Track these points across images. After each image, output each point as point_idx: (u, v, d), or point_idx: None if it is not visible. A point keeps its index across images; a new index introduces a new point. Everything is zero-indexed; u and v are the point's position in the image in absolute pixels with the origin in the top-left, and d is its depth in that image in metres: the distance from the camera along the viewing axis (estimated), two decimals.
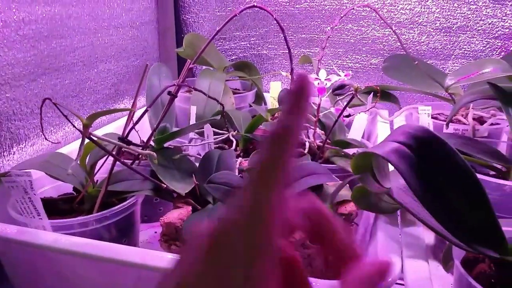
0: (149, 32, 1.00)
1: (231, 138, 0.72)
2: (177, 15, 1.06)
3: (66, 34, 0.72)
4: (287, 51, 1.07)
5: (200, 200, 0.54)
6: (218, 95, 0.85)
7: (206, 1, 1.03)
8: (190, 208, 0.52)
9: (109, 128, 0.80)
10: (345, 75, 0.63)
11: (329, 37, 0.69)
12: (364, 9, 0.98)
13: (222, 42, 1.06)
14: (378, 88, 0.65)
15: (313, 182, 0.49)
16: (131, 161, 0.59)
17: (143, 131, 0.66)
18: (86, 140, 0.47)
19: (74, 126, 0.46)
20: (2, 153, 0.59)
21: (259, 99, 1.01)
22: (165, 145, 0.63)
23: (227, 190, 0.47)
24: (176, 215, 0.50)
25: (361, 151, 0.43)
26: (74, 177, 0.54)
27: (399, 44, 1.00)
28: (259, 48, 1.07)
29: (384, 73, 0.91)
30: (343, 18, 0.74)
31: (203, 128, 0.71)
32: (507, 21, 0.94)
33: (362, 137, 0.74)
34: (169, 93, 0.61)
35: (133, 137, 0.57)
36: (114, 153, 0.53)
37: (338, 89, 0.55)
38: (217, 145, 0.74)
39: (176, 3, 1.05)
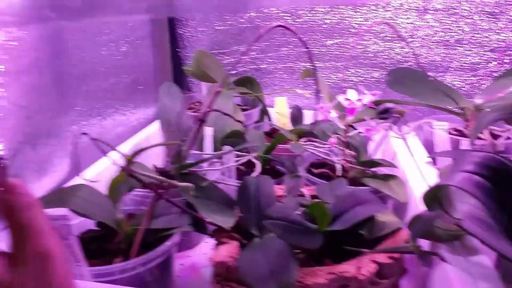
0: (144, 48, 0.96)
1: (254, 160, 0.69)
2: (173, 29, 1.03)
3: (64, 50, 0.67)
4: (288, 66, 1.06)
5: (243, 233, 0.51)
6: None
7: (204, 15, 0.99)
8: (236, 243, 0.49)
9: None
10: (372, 94, 0.62)
11: (351, 55, 0.68)
12: (366, 23, 0.99)
13: (221, 57, 1.03)
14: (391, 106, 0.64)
15: (367, 212, 0.47)
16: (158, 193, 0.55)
17: (150, 155, 0.62)
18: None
19: (114, 163, 0.42)
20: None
21: (262, 115, 0.99)
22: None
23: (286, 225, 0.44)
24: (225, 252, 0.47)
25: (435, 184, 0.42)
26: (106, 213, 0.49)
27: (400, 57, 1.01)
28: (259, 62, 1.05)
29: (387, 86, 0.92)
30: (358, 33, 0.73)
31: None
32: (501, 34, 0.97)
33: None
34: (199, 119, 0.58)
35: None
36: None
37: (383, 113, 0.53)
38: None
39: (172, 17, 1.01)
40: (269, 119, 0.98)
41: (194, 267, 0.66)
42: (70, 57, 0.66)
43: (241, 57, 0.56)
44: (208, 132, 0.76)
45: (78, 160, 0.44)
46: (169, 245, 0.48)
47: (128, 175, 0.42)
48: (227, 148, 0.69)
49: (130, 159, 0.41)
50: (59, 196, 0.50)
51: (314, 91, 0.85)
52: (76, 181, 0.56)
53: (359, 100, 0.59)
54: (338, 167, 0.62)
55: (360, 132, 0.64)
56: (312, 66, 0.61)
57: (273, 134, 0.94)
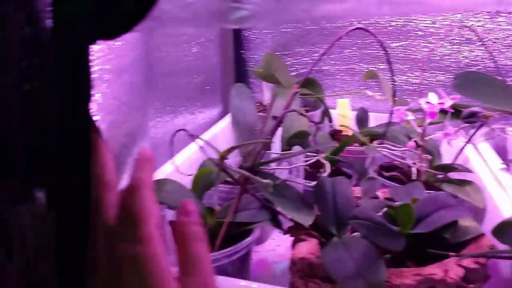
0: (212, 49, 0.99)
1: (323, 161, 0.70)
2: (238, 31, 1.05)
3: None
4: (350, 67, 1.06)
5: (321, 232, 0.53)
6: (293, 115, 0.84)
7: (260, 26, 1.01)
8: (315, 241, 0.50)
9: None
10: (451, 99, 0.61)
11: (429, 58, 0.68)
12: (433, 25, 0.97)
13: (284, 58, 1.05)
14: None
15: (451, 216, 0.47)
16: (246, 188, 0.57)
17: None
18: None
19: (209, 158, 0.44)
20: None
21: (323, 116, 0.99)
22: None
23: (370, 225, 0.45)
24: (305, 249, 0.48)
25: None
26: None
27: (468, 61, 0.99)
28: (320, 63, 1.05)
29: (454, 90, 0.89)
30: (439, 38, 0.72)
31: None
32: None
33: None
34: (274, 117, 0.60)
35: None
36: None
37: (469, 117, 0.53)
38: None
39: None
40: (330, 121, 0.98)
41: (264, 263, 0.67)
42: (152, 56, 0.70)
43: (321, 56, 0.57)
44: (277, 132, 0.78)
45: (172, 154, 0.47)
46: (252, 239, 0.50)
47: (221, 170, 0.44)
48: (297, 148, 0.71)
49: (223, 155, 0.43)
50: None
51: (383, 94, 0.85)
52: (159, 175, 0.59)
53: (441, 104, 0.59)
54: (414, 170, 0.61)
55: (436, 137, 0.63)
56: (389, 68, 0.61)
57: (335, 135, 0.95)
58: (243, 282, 0.42)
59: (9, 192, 0.20)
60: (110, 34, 0.21)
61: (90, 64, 0.21)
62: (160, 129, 0.78)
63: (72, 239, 0.25)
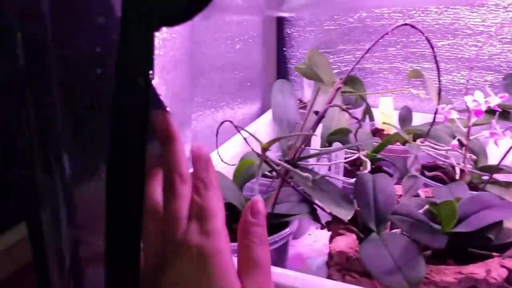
0: (255, 46, 1.00)
1: (363, 158, 0.70)
2: (281, 29, 1.06)
3: None
4: (394, 66, 1.04)
5: (360, 227, 0.53)
6: (334, 112, 0.84)
7: (314, 15, 1.01)
8: (354, 236, 0.51)
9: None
10: (500, 97, 0.59)
11: (477, 58, 0.66)
12: (483, 23, 0.94)
13: (327, 55, 1.04)
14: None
15: (496, 217, 0.46)
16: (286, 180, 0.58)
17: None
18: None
19: (252, 150, 0.46)
20: None
21: (364, 114, 0.99)
22: None
23: (412, 222, 0.45)
24: (344, 243, 0.49)
25: None
26: (235, 196, 0.54)
27: None
28: (363, 61, 1.04)
29: (504, 90, 0.86)
30: (488, 37, 0.70)
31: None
32: None
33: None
34: (316, 112, 0.60)
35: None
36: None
37: None
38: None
39: (280, 17, 1.05)
40: (371, 119, 0.97)
41: (300, 257, 0.68)
42: (196, 52, 0.72)
43: (365, 53, 0.57)
44: (317, 129, 0.78)
45: (216, 145, 0.48)
46: (290, 230, 0.51)
47: (263, 161, 0.45)
48: (336, 145, 0.71)
49: (265, 147, 0.45)
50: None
51: (428, 93, 0.84)
52: None
53: (487, 102, 0.57)
54: (457, 170, 0.60)
55: (483, 137, 0.61)
56: (436, 66, 0.60)
57: (376, 134, 0.94)
58: (278, 270, 0.43)
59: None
60: (174, 20, 0.22)
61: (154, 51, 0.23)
62: (200, 123, 0.81)
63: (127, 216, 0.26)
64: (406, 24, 0.60)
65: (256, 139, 0.44)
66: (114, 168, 0.23)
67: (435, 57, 0.62)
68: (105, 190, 0.23)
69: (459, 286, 0.40)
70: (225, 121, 0.45)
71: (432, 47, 0.62)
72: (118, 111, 0.21)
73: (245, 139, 0.45)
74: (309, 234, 0.73)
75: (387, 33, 0.60)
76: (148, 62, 0.21)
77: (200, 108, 0.82)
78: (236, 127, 0.44)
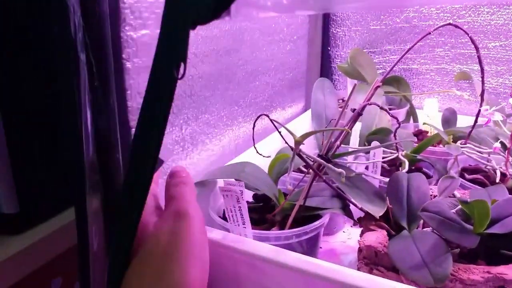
0: (301, 46, 1.02)
1: (402, 158, 0.69)
2: (326, 28, 1.07)
3: (240, 48, 0.76)
4: (441, 67, 1.02)
5: (392, 225, 0.53)
6: (375, 112, 0.84)
7: (360, 14, 1.01)
8: (385, 232, 0.51)
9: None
10: None
11: None
12: None
13: (371, 55, 1.04)
14: None
15: None
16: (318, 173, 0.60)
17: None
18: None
19: (286, 143, 0.47)
20: (185, 157, 0.64)
21: (408, 115, 0.97)
22: None
23: (441, 220, 0.45)
24: (374, 238, 0.49)
25: None
26: (269, 188, 0.56)
27: None
28: (410, 62, 1.03)
29: None
30: None
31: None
32: None
33: None
34: (352, 110, 0.61)
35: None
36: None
37: None
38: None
39: (326, 17, 1.06)
40: (415, 121, 0.96)
41: (333, 253, 0.69)
42: (242, 53, 0.76)
43: (407, 51, 0.58)
44: (356, 127, 0.79)
45: (254, 139, 0.51)
46: (320, 222, 0.52)
47: (297, 155, 0.47)
48: (376, 144, 0.71)
49: (299, 141, 0.46)
50: (231, 170, 0.58)
51: (473, 95, 0.82)
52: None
53: None
54: (498, 173, 0.59)
55: None
56: (480, 67, 0.59)
57: (419, 136, 0.92)
58: (307, 258, 0.44)
59: None
60: (205, 18, 0.25)
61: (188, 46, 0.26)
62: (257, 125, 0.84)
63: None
64: (449, 24, 0.59)
65: (290, 132, 0.46)
66: (140, 133, 0.27)
67: (479, 57, 0.61)
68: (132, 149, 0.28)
69: (486, 285, 0.40)
70: (262, 114, 0.47)
71: (476, 48, 0.60)
72: (150, 93, 0.25)
73: (279, 132, 0.47)
74: (344, 232, 0.74)
75: (429, 33, 0.59)
76: (182, 55, 0.24)
77: (253, 110, 0.85)
78: (271, 120, 0.46)
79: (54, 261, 0.53)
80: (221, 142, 0.73)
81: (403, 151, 0.71)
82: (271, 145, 0.73)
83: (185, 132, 0.63)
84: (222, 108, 0.72)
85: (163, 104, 0.26)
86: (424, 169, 0.77)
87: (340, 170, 0.55)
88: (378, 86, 0.60)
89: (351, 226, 0.75)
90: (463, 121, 0.88)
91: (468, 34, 0.60)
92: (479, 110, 0.61)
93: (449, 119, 0.80)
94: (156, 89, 0.26)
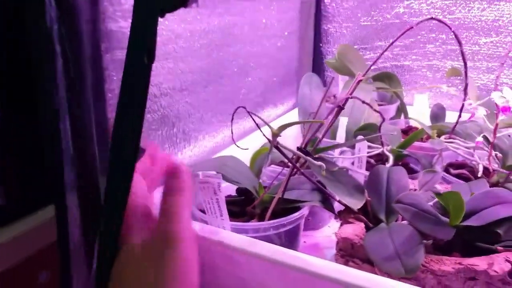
0: (293, 42, 1.02)
1: (386, 153, 0.69)
2: (318, 24, 1.07)
3: (231, 43, 0.76)
4: (432, 64, 1.01)
5: (371, 217, 0.53)
6: (364, 107, 0.83)
7: (351, 11, 1.01)
8: (362, 224, 0.51)
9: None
10: None
11: (509, 52, 0.63)
12: None
13: (363, 52, 1.04)
14: None
15: (506, 213, 0.45)
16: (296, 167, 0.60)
17: (287, 140, 0.66)
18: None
19: (264, 135, 0.48)
20: (176, 152, 0.64)
21: (399, 112, 0.97)
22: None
23: (416, 212, 0.45)
24: (350, 230, 0.50)
25: None
26: (249, 181, 0.56)
27: None
28: (401, 59, 1.03)
29: None
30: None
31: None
32: None
33: None
34: (337, 105, 0.61)
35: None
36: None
37: None
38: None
39: (318, 13, 1.05)
40: (406, 117, 0.96)
41: (317, 247, 0.69)
42: (233, 48, 0.76)
43: (386, 48, 0.57)
44: (343, 122, 0.79)
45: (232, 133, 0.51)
46: (299, 215, 0.52)
47: (274, 148, 0.47)
48: (360, 137, 0.71)
49: (276, 133, 0.47)
50: (213, 163, 0.58)
51: (461, 90, 0.81)
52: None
53: None
54: (480, 168, 0.59)
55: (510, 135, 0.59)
56: (464, 63, 0.59)
57: (409, 132, 0.92)
58: (280, 249, 0.44)
59: None
60: (173, 6, 0.25)
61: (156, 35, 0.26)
62: (248, 123, 0.84)
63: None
64: (432, 19, 0.59)
65: (268, 124, 0.46)
66: (119, 122, 0.27)
67: (462, 51, 0.61)
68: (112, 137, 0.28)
69: (457, 276, 0.40)
70: (240, 107, 0.47)
71: (459, 42, 0.60)
72: (125, 82, 0.25)
73: (257, 125, 0.47)
74: (329, 226, 0.74)
75: (411, 27, 0.59)
76: (151, 42, 0.25)
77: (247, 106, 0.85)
78: (249, 112, 0.46)
79: (42, 253, 0.54)
80: (215, 138, 0.74)
81: (388, 146, 0.71)
82: (259, 140, 0.73)
83: (177, 128, 0.63)
84: (214, 104, 0.72)
85: (138, 91, 0.27)
86: (411, 164, 0.77)
87: (319, 163, 0.55)
88: (360, 80, 0.60)
89: (337, 221, 0.75)
90: (454, 117, 0.88)
91: (451, 29, 0.60)
92: (463, 105, 0.61)
93: (437, 114, 0.80)
94: (130, 76, 0.27)
